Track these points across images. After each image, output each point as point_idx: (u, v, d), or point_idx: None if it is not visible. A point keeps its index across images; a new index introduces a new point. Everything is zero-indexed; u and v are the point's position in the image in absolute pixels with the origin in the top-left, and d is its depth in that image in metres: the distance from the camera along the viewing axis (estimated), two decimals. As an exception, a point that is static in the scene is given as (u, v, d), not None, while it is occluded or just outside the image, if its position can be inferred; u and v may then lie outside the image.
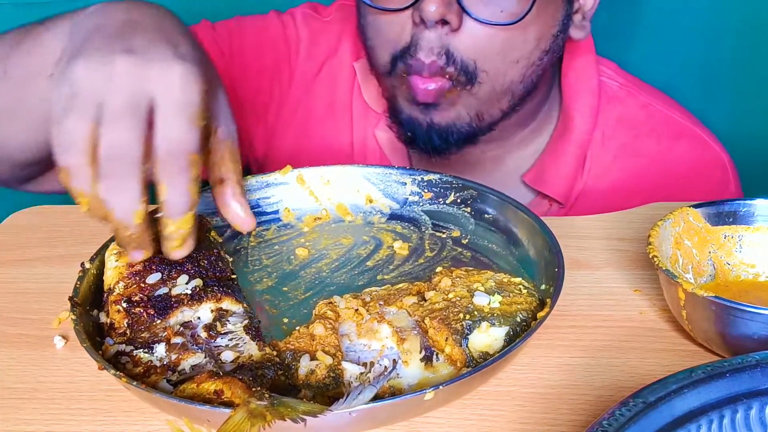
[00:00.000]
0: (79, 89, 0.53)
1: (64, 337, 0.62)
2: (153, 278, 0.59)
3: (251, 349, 0.56)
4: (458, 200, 0.75)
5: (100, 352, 0.55)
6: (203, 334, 0.56)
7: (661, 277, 0.60)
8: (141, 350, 0.55)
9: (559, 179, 0.96)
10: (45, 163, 0.79)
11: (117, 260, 0.61)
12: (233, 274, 0.64)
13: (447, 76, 0.84)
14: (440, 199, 0.75)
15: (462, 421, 0.54)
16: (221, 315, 0.58)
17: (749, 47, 1.30)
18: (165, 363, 0.54)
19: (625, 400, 0.47)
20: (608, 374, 0.58)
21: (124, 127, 0.53)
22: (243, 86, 1.00)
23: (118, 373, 0.51)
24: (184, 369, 0.54)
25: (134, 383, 0.51)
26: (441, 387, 0.50)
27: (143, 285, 0.58)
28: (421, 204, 0.76)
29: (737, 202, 0.66)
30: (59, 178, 0.54)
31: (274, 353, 0.56)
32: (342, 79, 1.01)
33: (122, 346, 0.55)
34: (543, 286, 0.63)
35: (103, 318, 0.59)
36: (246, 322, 0.58)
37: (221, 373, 0.52)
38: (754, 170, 1.07)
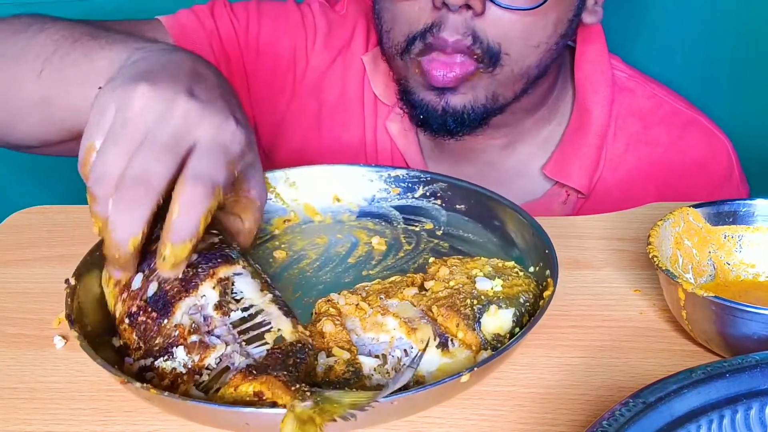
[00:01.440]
0: (131, 120, 0.54)
1: (64, 337, 0.62)
2: (137, 282, 0.57)
3: (276, 321, 0.54)
4: (427, 193, 0.75)
5: (121, 377, 0.52)
6: (216, 315, 0.54)
7: (661, 277, 0.60)
8: (161, 360, 0.53)
9: (581, 171, 0.97)
10: (53, 146, 0.79)
11: (108, 285, 0.59)
12: (218, 235, 0.61)
13: (474, 57, 0.84)
14: (409, 194, 0.76)
15: (462, 421, 0.54)
16: (224, 286, 0.56)
17: (749, 47, 1.30)
18: (189, 367, 0.52)
19: (625, 400, 0.47)
20: (608, 374, 0.58)
21: (156, 158, 0.53)
22: (256, 70, 1.00)
23: (145, 385, 0.49)
24: (209, 365, 0.52)
25: (165, 393, 0.49)
26: (475, 369, 0.51)
27: (134, 293, 0.57)
28: (389, 200, 0.76)
29: (737, 202, 0.66)
30: (87, 198, 0.55)
31: (306, 331, 0.54)
32: (353, 71, 1.02)
33: (142, 362, 0.54)
34: (531, 269, 0.64)
35: (116, 342, 0.57)
36: (253, 279, 0.57)
37: (254, 371, 0.50)
38: (754, 170, 1.07)
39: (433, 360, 0.56)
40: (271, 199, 0.74)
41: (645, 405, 0.46)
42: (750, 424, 0.46)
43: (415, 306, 0.60)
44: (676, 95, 1.03)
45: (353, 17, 1.03)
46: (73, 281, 0.59)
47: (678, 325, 0.62)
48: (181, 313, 0.54)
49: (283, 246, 0.72)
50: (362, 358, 0.55)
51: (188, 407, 0.50)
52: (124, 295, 0.57)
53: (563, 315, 0.63)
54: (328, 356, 0.55)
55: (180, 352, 0.53)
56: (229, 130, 0.57)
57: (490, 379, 0.57)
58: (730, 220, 0.65)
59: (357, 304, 0.60)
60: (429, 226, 0.74)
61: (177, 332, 0.53)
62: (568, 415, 0.54)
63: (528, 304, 0.60)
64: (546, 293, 0.59)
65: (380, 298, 0.61)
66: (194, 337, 0.53)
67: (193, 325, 0.54)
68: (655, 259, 0.59)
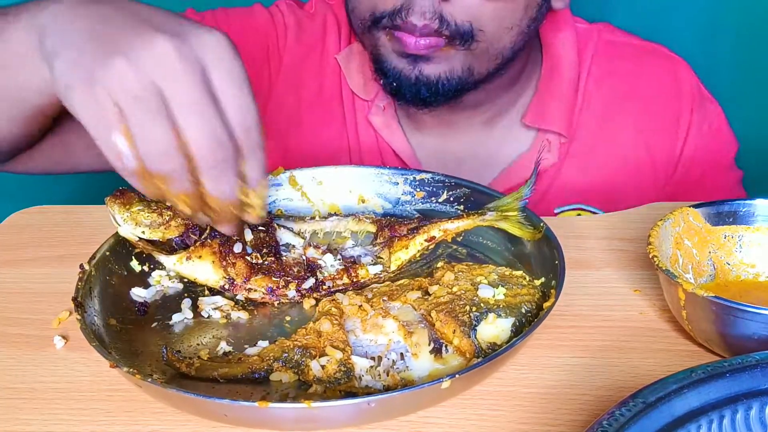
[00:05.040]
0: (135, 89, 0.51)
1: (64, 337, 0.62)
2: (237, 247, 0.65)
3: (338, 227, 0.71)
4: (451, 198, 0.75)
5: (111, 361, 0.54)
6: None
7: (661, 277, 0.60)
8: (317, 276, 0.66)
9: (559, 112, 0.99)
10: (19, 150, 0.78)
11: (198, 258, 0.64)
12: None
13: (443, 37, 0.85)
14: (433, 198, 0.76)
15: (462, 421, 0.54)
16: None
17: (749, 47, 1.30)
18: (343, 266, 0.67)
19: (625, 400, 0.47)
20: (608, 374, 0.58)
21: (201, 114, 0.52)
22: None
23: (131, 370, 0.51)
24: (346, 255, 0.68)
25: (149, 380, 0.51)
26: (457, 376, 0.50)
27: (240, 254, 0.65)
28: (413, 203, 0.76)
29: (737, 202, 0.66)
30: (149, 185, 0.54)
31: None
32: (329, 72, 1.03)
33: (303, 285, 0.65)
34: (543, 279, 0.63)
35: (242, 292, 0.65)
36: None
37: (410, 229, 0.69)
38: (754, 170, 1.07)
39: (425, 365, 0.56)
40: (290, 201, 0.76)
41: (645, 405, 0.46)
42: (750, 424, 0.46)
43: (416, 310, 0.60)
44: (633, 35, 1.06)
45: (322, 16, 1.05)
46: (86, 266, 0.63)
47: (678, 325, 0.62)
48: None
49: None
50: (355, 359, 0.56)
51: (169, 395, 0.51)
52: (224, 262, 0.64)
53: (564, 315, 0.63)
54: (321, 356, 0.56)
55: (326, 258, 0.67)
56: (214, 40, 0.54)
57: (491, 379, 0.57)
58: (730, 220, 0.65)
59: (360, 305, 0.61)
60: None
61: (303, 252, 0.67)
62: (568, 415, 0.54)
63: (530, 314, 0.59)
64: (546, 304, 0.59)
65: (383, 300, 0.61)
66: (311, 251, 0.68)
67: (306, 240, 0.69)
68: (655, 259, 0.59)
